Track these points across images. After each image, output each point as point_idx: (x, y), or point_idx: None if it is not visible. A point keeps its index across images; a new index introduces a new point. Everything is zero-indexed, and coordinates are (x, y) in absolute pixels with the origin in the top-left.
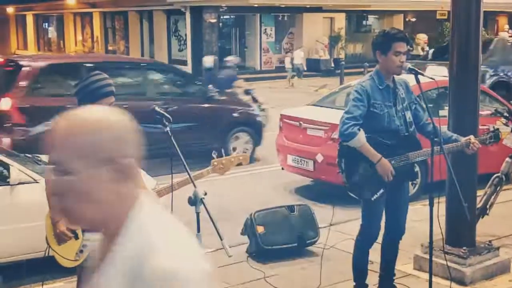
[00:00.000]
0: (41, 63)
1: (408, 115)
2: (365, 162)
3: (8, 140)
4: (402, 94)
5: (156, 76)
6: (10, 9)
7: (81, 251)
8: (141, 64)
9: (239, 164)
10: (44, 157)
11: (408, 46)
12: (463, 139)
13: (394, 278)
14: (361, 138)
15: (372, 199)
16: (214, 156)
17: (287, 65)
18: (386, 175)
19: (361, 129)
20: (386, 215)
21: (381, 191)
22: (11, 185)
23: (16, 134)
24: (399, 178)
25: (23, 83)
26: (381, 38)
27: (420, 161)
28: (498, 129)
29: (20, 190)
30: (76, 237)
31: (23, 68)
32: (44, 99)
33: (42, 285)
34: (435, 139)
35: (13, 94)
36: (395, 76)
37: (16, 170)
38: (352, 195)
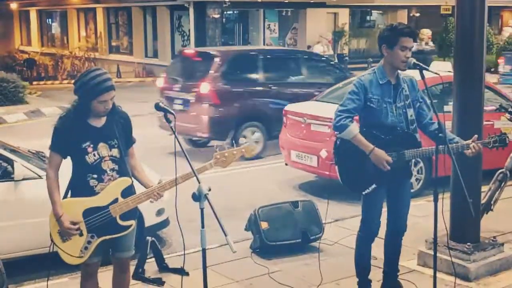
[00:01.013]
0: (229, 54)
1: (410, 112)
2: (357, 156)
3: (206, 118)
4: (405, 91)
5: (316, 64)
6: (13, 5)
7: (86, 248)
8: (299, 54)
9: (243, 156)
10: (48, 153)
11: (414, 43)
12: (464, 142)
13: (398, 274)
14: (353, 130)
15: (364, 193)
16: (217, 149)
17: None
18: (381, 165)
19: (354, 122)
20: (388, 212)
21: (373, 186)
22: (15, 181)
23: (212, 113)
24: (394, 175)
25: (216, 71)
26: (388, 32)
27: (424, 157)
28: (505, 133)
29: (24, 186)
30: (81, 234)
31: (215, 58)
32: (232, 83)
33: (47, 280)
34: (440, 134)
35: (209, 80)
36: (402, 73)
37: (20, 166)
38: (347, 188)
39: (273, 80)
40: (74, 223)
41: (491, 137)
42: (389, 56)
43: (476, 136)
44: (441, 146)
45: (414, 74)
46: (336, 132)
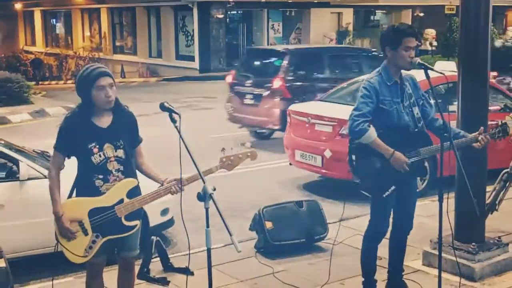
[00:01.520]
0: (297, 51)
1: (416, 110)
2: (377, 159)
3: (278, 111)
4: (409, 90)
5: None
6: (18, 5)
7: (90, 247)
8: (360, 51)
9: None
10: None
11: (417, 42)
12: (470, 135)
13: (403, 274)
14: (371, 134)
15: (384, 195)
16: (222, 152)
17: None
18: (401, 168)
19: (371, 126)
20: (394, 211)
21: (393, 187)
22: (20, 180)
23: (284, 106)
24: (409, 174)
25: (286, 67)
26: (391, 33)
27: (429, 156)
28: (506, 123)
29: (30, 185)
30: (86, 233)
31: (285, 56)
32: (300, 79)
33: (52, 280)
34: (445, 134)
35: (280, 76)
36: (402, 72)
37: (25, 166)
38: (364, 192)
39: (336, 76)
40: (78, 222)
41: (495, 128)
42: (393, 57)
43: (482, 128)
44: (446, 143)
45: (416, 73)
46: (353, 137)
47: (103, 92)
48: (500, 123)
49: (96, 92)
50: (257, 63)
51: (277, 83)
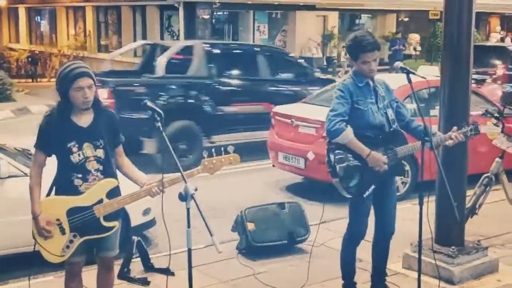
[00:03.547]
0: None
1: (390, 112)
2: (355, 159)
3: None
4: (382, 93)
5: None
6: (2, 2)
7: (68, 247)
8: None
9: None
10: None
11: (400, 46)
12: (445, 135)
13: (386, 277)
14: (348, 134)
15: (364, 195)
16: (205, 155)
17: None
18: (379, 167)
19: (348, 125)
20: (375, 213)
21: (372, 187)
22: (0, 178)
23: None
24: (387, 173)
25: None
26: (350, 46)
27: (410, 160)
28: (477, 122)
29: (10, 183)
30: (63, 233)
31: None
32: None
33: (29, 279)
34: (426, 138)
35: (503, 66)
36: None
37: (6, 163)
38: (342, 193)
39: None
40: (57, 221)
41: (466, 127)
42: (356, 67)
43: (455, 127)
44: (426, 143)
45: (401, 78)
46: (330, 137)
47: (81, 93)
48: (473, 122)
49: (74, 93)
50: (481, 55)
51: (500, 70)
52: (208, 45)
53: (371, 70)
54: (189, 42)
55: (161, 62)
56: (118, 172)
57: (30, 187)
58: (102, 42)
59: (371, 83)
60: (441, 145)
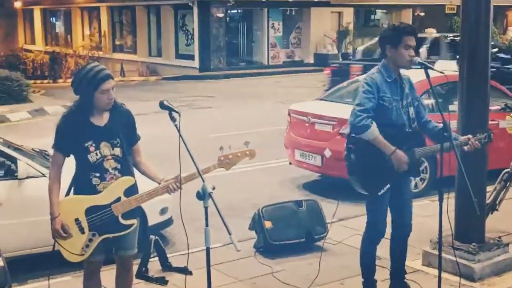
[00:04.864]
0: None
1: (411, 111)
2: (374, 156)
3: None
4: (406, 90)
5: None
6: (17, 4)
7: (87, 246)
8: None
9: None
10: (51, 152)
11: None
12: (461, 138)
13: (405, 275)
14: (374, 131)
15: (379, 193)
16: (221, 151)
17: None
18: (401, 167)
19: (374, 122)
20: (392, 212)
21: (388, 185)
22: (19, 179)
23: None
24: (403, 174)
25: None
26: (391, 32)
27: (429, 156)
28: (491, 130)
29: (28, 184)
30: (83, 232)
31: None
32: None
33: (49, 279)
34: (445, 134)
35: None
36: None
37: (24, 164)
38: (358, 189)
39: None
40: (75, 220)
41: (481, 133)
42: (393, 56)
43: (470, 136)
44: (446, 143)
45: (419, 73)
46: (355, 133)
47: (106, 96)
48: (487, 130)
49: (99, 95)
50: None
51: None
52: None
53: (412, 56)
54: None
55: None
56: (135, 170)
57: (49, 189)
58: (117, 42)
59: (398, 79)
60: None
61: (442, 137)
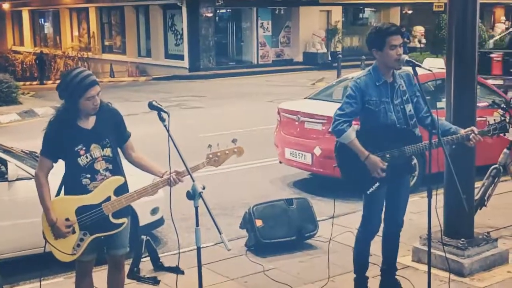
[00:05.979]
0: None
1: (409, 108)
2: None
3: None
4: (402, 87)
5: None
6: (5, 5)
7: (78, 245)
8: None
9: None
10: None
11: (405, 39)
12: (462, 131)
13: (396, 272)
14: (350, 135)
15: (368, 192)
16: (209, 149)
17: None
18: (375, 172)
19: (351, 126)
20: (386, 208)
21: (377, 184)
22: (9, 181)
23: None
24: (397, 172)
25: None
26: (374, 35)
27: (417, 153)
28: (505, 120)
29: (18, 186)
30: (73, 231)
31: None
32: None
33: (40, 280)
34: (433, 131)
35: None
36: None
37: (14, 166)
38: (351, 188)
39: None
40: (66, 220)
41: (490, 125)
42: (381, 58)
43: (474, 128)
44: (435, 140)
45: (407, 71)
46: (335, 136)
47: (92, 101)
48: (500, 120)
49: (85, 101)
50: None
51: None
52: None
53: (399, 54)
54: None
55: None
56: (133, 167)
57: (41, 196)
58: (106, 43)
59: (389, 80)
60: (460, 142)
61: (431, 134)
